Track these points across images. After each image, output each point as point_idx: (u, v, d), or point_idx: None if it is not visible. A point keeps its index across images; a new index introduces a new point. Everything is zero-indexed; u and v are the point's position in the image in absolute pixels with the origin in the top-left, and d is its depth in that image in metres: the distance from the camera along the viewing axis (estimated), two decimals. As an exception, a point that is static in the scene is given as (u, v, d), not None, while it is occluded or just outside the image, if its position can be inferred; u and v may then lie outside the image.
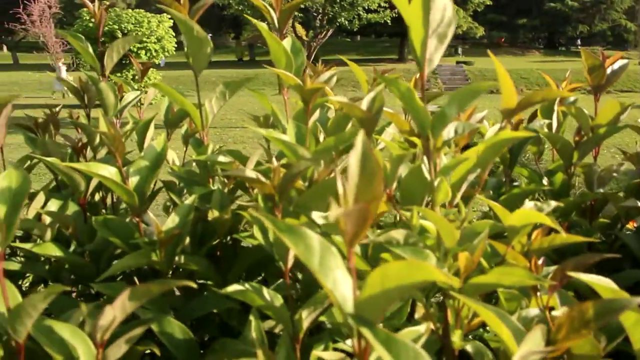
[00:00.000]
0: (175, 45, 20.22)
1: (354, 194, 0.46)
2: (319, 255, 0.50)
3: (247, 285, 0.78)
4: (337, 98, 0.78)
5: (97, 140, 1.22)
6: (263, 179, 0.77)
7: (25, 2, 23.24)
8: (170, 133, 1.34)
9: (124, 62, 19.30)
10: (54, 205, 1.14)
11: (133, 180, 0.98)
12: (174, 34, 20.23)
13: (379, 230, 0.79)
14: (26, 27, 23.45)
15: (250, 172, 0.77)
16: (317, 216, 0.86)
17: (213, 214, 0.99)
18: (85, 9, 19.68)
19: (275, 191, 0.77)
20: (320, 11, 15.52)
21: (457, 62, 34.00)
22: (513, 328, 0.59)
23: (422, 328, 0.77)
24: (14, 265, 1.18)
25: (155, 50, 19.27)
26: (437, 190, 0.73)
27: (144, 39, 18.85)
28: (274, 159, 1.11)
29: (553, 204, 0.84)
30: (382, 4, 15.66)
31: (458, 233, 0.72)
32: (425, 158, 0.77)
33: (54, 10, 23.67)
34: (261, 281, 1.13)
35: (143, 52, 18.99)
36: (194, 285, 0.64)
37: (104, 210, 1.25)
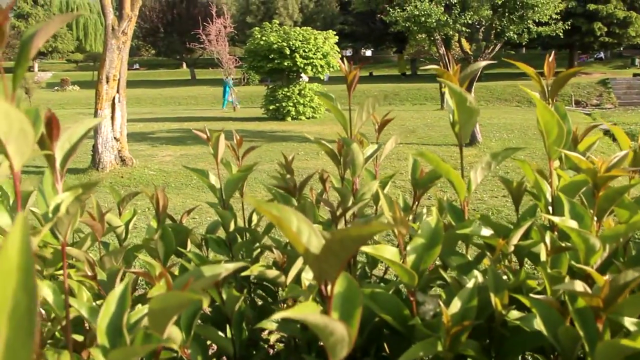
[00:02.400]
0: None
1: None
2: None
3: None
4: None
5: (349, 203, 1.23)
6: (589, 290, 0.72)
7: (204, 23, 25.06)
8: (419, 195, 1.32)
9: (290, 76, 20.11)
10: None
11: (410, 259, 0.97)
12: (338, 50, 20.71)
13: None
14: (204, 45, 25.27)
15: (578, 285, 0.72)
16: (629, 322, 0.79)
17: (490, 296, 0.95)
18: (257, 28, 20.78)
19: (601, 304, 0.71)
20: (484, 24, 15.05)
21: (634, 75, 31.56)
22: None
23: None
24: (271, 325, 1.22)
25: (321, 66, 19.86)
26: None
27: (310, 55, 19.46)
28: (547, 238, 1.05)
29: None
30: (554, 16, 14.84)
31: None
32: None
33: (229, 29, 25.31)
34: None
35: (309, 67, 19.63)
36: None
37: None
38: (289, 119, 19.80)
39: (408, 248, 0.97)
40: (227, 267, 0.69)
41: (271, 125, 18.72)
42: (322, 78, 21.11)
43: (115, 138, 11.89)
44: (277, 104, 20.07)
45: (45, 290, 0.82)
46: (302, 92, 19.95)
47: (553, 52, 1.16)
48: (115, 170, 11.50)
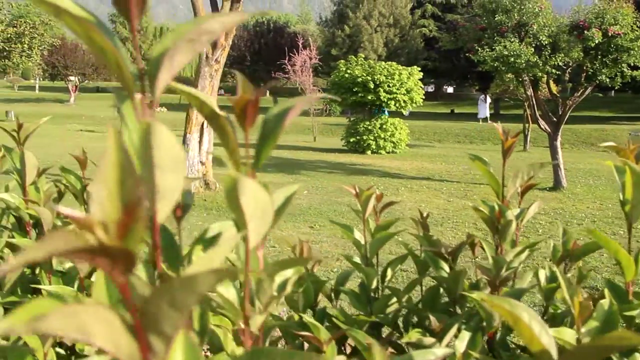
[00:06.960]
0: (423, 97, 20.61)
1: None
2: None
3: None
4: None
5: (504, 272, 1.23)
6: None
7: (290, 54, 25.63)
8: (569, 268, 1.31)
9: (372, 110, 20.17)
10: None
11: (586, 342, 0.96)
12: (422, 86, 20.63)
13: None
14: (288, 75, 25.79)
15: None
16: None
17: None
18: (342, 61, 21.05)
19: None
20: (572, 65, 14.59)
21: None
22: None
23: None
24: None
25: (404, 101, 19.85)
26: None
27: (394, 90, 19.49)
28: None
29: None
30: (652, 60, 14.24)
31: None
32: None
33: (314, 61, 25.74)
34: None
35: (392, 102, 19.66)
36: None
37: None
38: (368, 152, 19.83)
39: (583, 330, 0.96)
40: (435, 353, 0.71)
41: (351, 157, 18.81)
42: (404, 113, 21.10)
43: (201, 162, 12.27)
44: (357, 137, 20.16)
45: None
46: (384, 126, 19.97)
47: None
48: (199, 194, 11.81)
